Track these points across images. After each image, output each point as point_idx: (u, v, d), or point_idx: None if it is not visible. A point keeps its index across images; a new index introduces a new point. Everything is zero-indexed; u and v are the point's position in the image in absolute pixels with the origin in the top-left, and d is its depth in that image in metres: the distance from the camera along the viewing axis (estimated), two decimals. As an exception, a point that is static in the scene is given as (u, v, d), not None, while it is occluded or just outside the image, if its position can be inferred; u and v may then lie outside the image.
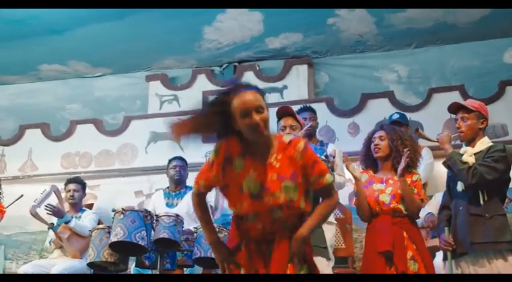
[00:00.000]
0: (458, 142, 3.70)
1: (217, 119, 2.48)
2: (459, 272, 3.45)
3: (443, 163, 3.57)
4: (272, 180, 2.48)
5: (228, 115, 2.46)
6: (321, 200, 2.64)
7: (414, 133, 3.83)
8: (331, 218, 4.33)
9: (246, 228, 2.58)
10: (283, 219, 2.52)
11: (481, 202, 3.38)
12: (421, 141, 5.03)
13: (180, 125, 2.50)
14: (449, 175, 3.64)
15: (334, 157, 4.27)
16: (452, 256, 3.48)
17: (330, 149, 4.39)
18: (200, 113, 2.51)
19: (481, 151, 3.49)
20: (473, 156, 3.46)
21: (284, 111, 3.91)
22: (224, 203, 4.21)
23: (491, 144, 3.54)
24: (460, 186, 3.47)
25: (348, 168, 3.78)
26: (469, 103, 3.63)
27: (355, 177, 3.71)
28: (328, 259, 3.80)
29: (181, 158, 5.35)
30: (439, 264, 4.07)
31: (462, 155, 3.49)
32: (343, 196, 5.64)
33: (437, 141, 3.62)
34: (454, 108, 3.63)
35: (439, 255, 4.37)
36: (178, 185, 5.22)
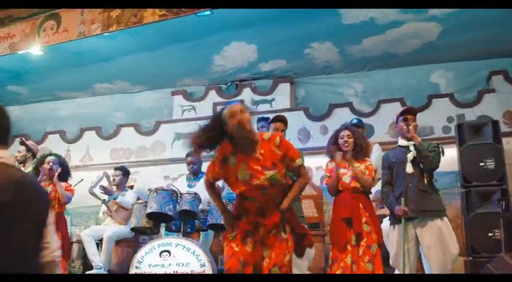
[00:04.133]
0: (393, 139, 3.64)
1: (216, 128, 2.50)
2: (408, 232, 3.44)
3: (414, 146, 3.48)
4: (257, 170, 2.50)
5: (223, 122, 2.48)
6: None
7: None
8: (308, 194, 4.34)
9: (246, 205, 2.60)
10: (272, 194, 2.54)
11: (425, 182, 3.46)
12: (373, 139, 5.04)
13: (195, 137, 2.54)
14: (393, 160, 3.59)
15: None
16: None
17: None
18: (205, 127, 2.54)
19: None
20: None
21: (277, 118, 3.78)
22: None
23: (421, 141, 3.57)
24: (409, 169, 3.46)
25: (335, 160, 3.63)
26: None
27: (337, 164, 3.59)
28: (305, 224, 3.79)
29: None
30: (385, 227, 4.05)
31: None
32: (316, 179, 5.66)
33: (409, 132, 3.54)
34: (407, 111, 3.62)
35: (385, 221, 4.37)
36: (194, 174, 5.13)
